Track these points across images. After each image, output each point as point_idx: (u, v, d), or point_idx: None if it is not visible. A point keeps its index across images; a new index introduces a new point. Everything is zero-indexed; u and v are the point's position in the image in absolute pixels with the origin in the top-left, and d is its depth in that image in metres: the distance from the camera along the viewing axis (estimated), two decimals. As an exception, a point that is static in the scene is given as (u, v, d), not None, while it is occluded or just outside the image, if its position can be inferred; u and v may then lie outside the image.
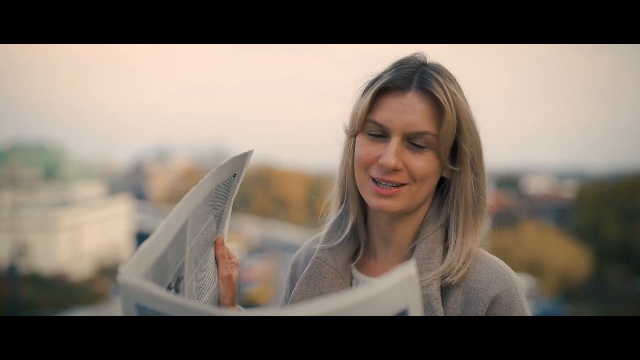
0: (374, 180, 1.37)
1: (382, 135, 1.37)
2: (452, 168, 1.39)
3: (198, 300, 1.29)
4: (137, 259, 0.96)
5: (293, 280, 1.59)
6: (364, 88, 1.41)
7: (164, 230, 1.04)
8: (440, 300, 1.33)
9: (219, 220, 1.33)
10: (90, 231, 42.45)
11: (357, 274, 1.48)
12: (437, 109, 1.35)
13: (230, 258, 1.38)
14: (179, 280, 1.14)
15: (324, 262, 1.47)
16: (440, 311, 1.32)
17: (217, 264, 1.37)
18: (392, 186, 1.36)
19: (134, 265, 0.95)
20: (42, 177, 44.41)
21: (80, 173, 50.02)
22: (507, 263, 1.41)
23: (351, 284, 1.48)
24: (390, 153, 1.34)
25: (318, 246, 1.50)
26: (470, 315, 1.33)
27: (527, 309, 1.37)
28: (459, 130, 1.37)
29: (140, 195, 66.28)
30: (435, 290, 1.33)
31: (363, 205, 1.48)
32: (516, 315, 1.34)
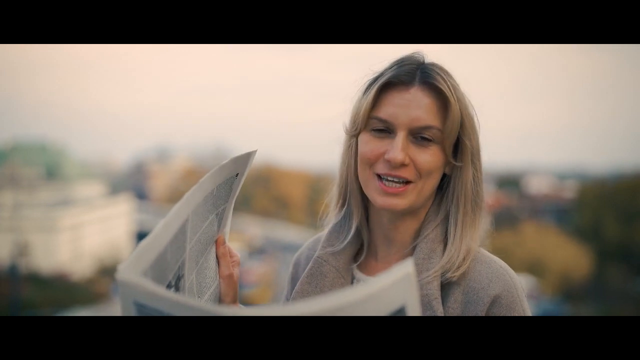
0: (379, 177, 1.37)
1: (386, 130, 1.37)
2: (455, 163, 1.39)
3: (199, 299, 1.29)
4: (136, 256, 0.96)
5: (294, 279, 1.60)
6: (365, 86, 1.41)
7: (163, 229, 1.04)
8: (440, 300, 1.33)
9: (220, 219, 1.33)
10: (90, 231, 42.45)
11: (358, 274, 1.48)
12: (441, 102, 1.36)
13: (231, 257, 1.39)
14: (178, 278, 1.14)
15: (325, 261, 1.47)
16: (440, 310, 1.31)
17: (218, 262, 1.37)
18: (399, 183, 1.36)
19: (132, 263, 0.95)
20: (42, 177, 44.41)
21: (80, 172, 50.02)
22: (507, 263, 1.41)
23: (352, 284, 1.48)
24: (397, 148, 1.34)
25: (319, 247, 1.50)
26: (470, 314, 1.33)
27: (527, 309, 1.36)
28: (461, 124, 1.38)
29: (140, 194, 66.26)
30: (435, 290, 1.33)
31: (365, 205, 1.48)
32: (516, 315, 1.34)
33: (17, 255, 28.97)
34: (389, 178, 1.36)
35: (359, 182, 1.45)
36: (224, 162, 1.24)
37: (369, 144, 1.38)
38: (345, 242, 1.47)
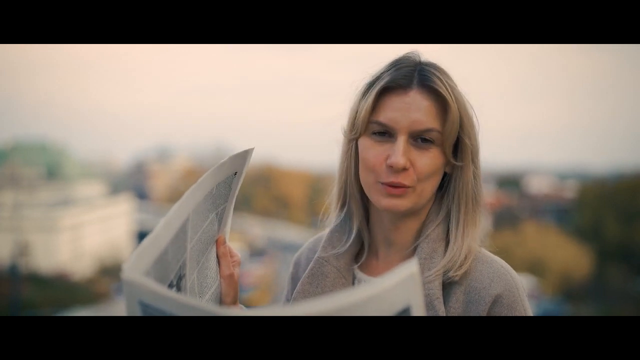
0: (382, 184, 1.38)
1: (386, 134, 1.37)
2: (455, 163, 1.40)
3: (200, 299, 1.29)
4: (138, 256, 0.96)
5: (294, 279, 1.60)
6: (363, 89, 1.41)
7: (163, 228, 1.04)
8: (441, 300, 1.33)
9: (220, 219, 1.33)
10: (91, 230, 42.45)
11: (359, 274, 1.48)
12: (440, 104, 1.36)
13: (231, 256, 1.39)
14: (180, 277, 1.14)
15: (326, 261, 1.47)
16: (441, 310, 1.32)
17: (218, 262, 1.37)
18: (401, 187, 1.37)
19: (136, 262, 0.95)
20: (43, 177, 44.42)
21: (81, 172, 50.03)
22: (508, 262, 1.41)
23: (353, 284, 1.49)
24: (398, 152, 1.34)
25: (320, 248, 1.50)
26: (471, 314, 1.33)
27: (529, 309, 1.37)
28: (460, 124, 1.38)
29: (141, 194, 66.28)
30: (437, 290, 1.33)
31: (365, 207, 1.48)
32: (517, 314, 1.34)
33: (17, 255, 28.96)
34: (393, 185, 1.36)
35: (359, 184, 1.45)
36: (223, 160, 1.24)
37: (371, 150, 1.38)
38: (347, 244, 1.48)
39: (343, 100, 1.45)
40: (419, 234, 1.43)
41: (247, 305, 1.53)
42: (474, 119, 1.41)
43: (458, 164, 1.40)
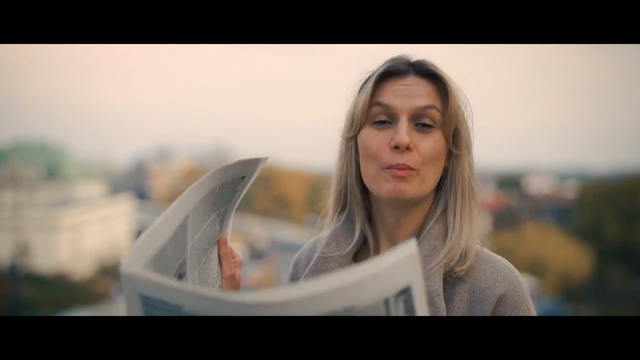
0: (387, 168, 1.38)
1: (387, 122, 1.38)
2: (454, 151, 1.41)
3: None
4: (136, 251, 0.96)
5: (294, 279, 1.60)
6: (360, 85, 1.44)
7: (161, 224, 1.03)
8: (442, 296, 1.33)
9: (222, 220, 1.33)
10: (91, 230, 42.48)
11: None
12: (439, 87, 1.40)
13: (233, 257, 1.39)
14: (180, 276, 1.14)
15: (330, 258, 1.47)
16: (442, 307, 1.32)
17: (220, 262, 1.37)
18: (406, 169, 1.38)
19: (134, 257, 0.95)
20: (42, 177, 44.44)
21: (81, 172, 50.07)
22: (508, 262, 1.42)
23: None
24: (402, 131, 1.36)
25: (323, 246, 1.49)
26: (476, 314, 1.34)
27: (532, 308, 1.37)
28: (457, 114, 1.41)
29: (141, 194, 66.27)
30: (437, 286, 1.33)
31: (366, 208, 1.49)
32: (521, 314, 1.35)
33: (17, 255, 28.98)
34: (398, 167, 1.37)
35: (360, 185, 1.45)
36: (231, 162, 1.24)
37: (373, 138, 1.39)
38: (350, 246, 1.48)
39: (343, 101, 1.46)
40: (421, 231, 1.44)
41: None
42: (469, 110, 1.43)
43: (456, 152, 1.41)
